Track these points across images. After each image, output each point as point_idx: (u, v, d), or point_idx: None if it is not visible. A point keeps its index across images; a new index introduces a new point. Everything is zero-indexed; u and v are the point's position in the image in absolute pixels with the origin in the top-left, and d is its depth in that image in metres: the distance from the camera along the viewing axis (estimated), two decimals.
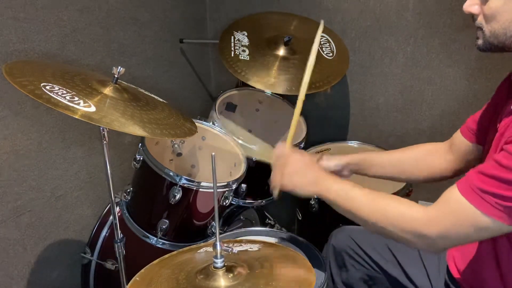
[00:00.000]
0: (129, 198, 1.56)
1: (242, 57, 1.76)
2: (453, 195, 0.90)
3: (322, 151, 2.00)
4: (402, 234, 0.95)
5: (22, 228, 1.51)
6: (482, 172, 0.87)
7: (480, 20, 0.93)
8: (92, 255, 1.63)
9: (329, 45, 1.86)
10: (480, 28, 0.93)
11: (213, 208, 1.51)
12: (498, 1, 0.88)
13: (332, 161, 1.32)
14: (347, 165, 1.32)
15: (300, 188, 1.12)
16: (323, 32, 1.88)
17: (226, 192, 1.49)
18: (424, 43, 1.82)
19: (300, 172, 1.13)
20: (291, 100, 1.96)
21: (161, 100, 1.41)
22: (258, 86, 1.71)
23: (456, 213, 0.89)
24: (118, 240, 1.32)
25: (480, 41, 0.95)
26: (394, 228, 0.96)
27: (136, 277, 0.99)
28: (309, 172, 1.13)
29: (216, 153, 0.91)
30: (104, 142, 1.21)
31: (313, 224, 1.79)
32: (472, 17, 0.95)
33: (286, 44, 1.80)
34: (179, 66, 2.09)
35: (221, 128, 1.67)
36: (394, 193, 1.68)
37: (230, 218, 1.83)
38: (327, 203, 1.08)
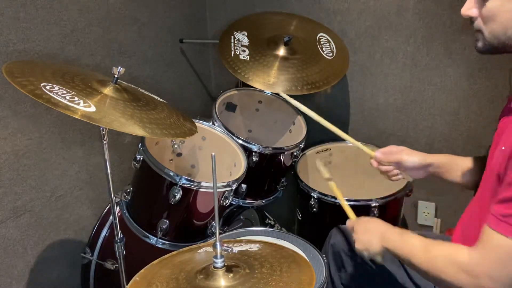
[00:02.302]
0: (129, 198, 1.55)
1: (242, 57, 1.76)
2: (486, 231, 0.90)
3: (322, 151, 2.00)
4: (453, 280, 0.94)
5: (22, 228, 1.50)
6: (500, 200, 0.88)
7: (478, 22, 0.95)
8: (92, 255, 1.63)
9: (329, 45, 1.86)
10: (479, 31, 0.95)
11: (213, 208, 1.51)
12: (496, 2, 0.90)
13: (414, 157, 1.30)
14: (429, 165, 1.30)
15: (369, 246, 1.14)
16: (323, 32, 1.90)
17: (226, 192, 1.49)
18: (424, 43, 1.82)
19: (365, 232, 1.17)
20: None
21: (161, 100, 1.41)
22: (258, 86, 1.71)
23: (494, 248, 0.87)
24: (118, 240, 1.32)
25: (480, 44, 0.96)
26: (444, 275, 0.95)
27: (136, 277, 0.99)
28: (374, 230, 1.15)
29: (216, 153, 0.91)
30: (104, 142, 1.21)
31: (313, 224, 1.79)
32: (471, 20, 0.97)
33: (286, 44, 1.79)
34: (179, 66, 2.09)
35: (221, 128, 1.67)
36: (394, 193, 1.69)
37: (230, 218, 1.83)
38: (391, 254, 1.10)
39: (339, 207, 1.66)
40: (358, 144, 1.43)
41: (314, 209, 1.70)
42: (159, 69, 1.96)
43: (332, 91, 2.06)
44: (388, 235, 1.11)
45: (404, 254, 1.04)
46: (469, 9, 0.95)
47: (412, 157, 1.30)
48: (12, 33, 1.36)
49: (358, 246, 1.17)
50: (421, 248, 1.01)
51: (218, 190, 1.46)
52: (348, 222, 1.27)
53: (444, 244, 1.00)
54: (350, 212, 1.30)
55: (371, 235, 1.14)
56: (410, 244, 1.04)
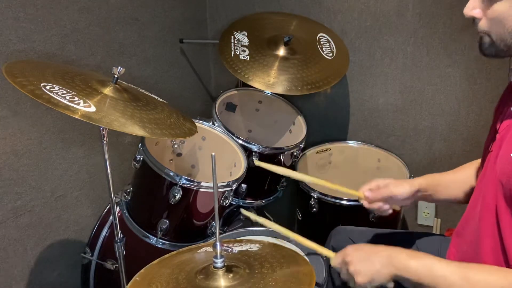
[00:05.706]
0: (129, 198, 1.56)
1: (242, 57, 1.76)
2: None
3: (322, 151, 2.00)
4: None
5: (22, 228, 1.50)
6: None
7: (482, 24, 0.90)
8: (92, 255, 1.63)
9: (329, 45, 1.86)
10: (486, 33, 0.91)
11: (213, 208, 1.51)
12: (504, 4, 0.85)
13: (403, 187, 1.21)
14: (417, 191, 1.22)
15: (376, 276, 0.98)
16: (323, 32, 1.90)
17: (226, 192, 1.49)
18: (424, 43, 1.82)
19: (365, 261, 1.00)
20: (291, 100, 1.96)
21: (161, 100, 1.41)
22: (258, 86, 1.71)
23: None
24: (118, 240, 1.32)
25: (486, 46, 0.92)
26: None
27: (136, 277, 0.99)
28: (375, 257, 1.00)
29: (216, 153, 0.91)
30: (104, 142, 1.21)
31: (313, 224, 1.79)
32: (473, 20, 0.93)
33: (286, 44, 1.79)
34: (179, 66, 2.09)
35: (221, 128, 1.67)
36: None
37: (230, 218, 1.83)
38: (408, 283, 0.97)
39: (339, 207, 1.67)
40: (343, 189, 1.28)
41: (314, 209, 1.70)
42: (159, 69, 1.96)
43: (332, 91, 2.06)
44: (402, 260, 0.96)
45: (434, 284, 0.92)
46: (473, 9, 0.90)
47: (401, 188, 1.21)
48: (12, 33, 1.36)
49: (360, 279, 0.98)
50: (458, 277, 0.90)
51: (218, 190, 1.46)
52: (334, 260, 1.08)
53: (484, 268, 0.91)
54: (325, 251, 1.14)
55: (374, 263, 0.98)
56: (439, 274, 0.92)
